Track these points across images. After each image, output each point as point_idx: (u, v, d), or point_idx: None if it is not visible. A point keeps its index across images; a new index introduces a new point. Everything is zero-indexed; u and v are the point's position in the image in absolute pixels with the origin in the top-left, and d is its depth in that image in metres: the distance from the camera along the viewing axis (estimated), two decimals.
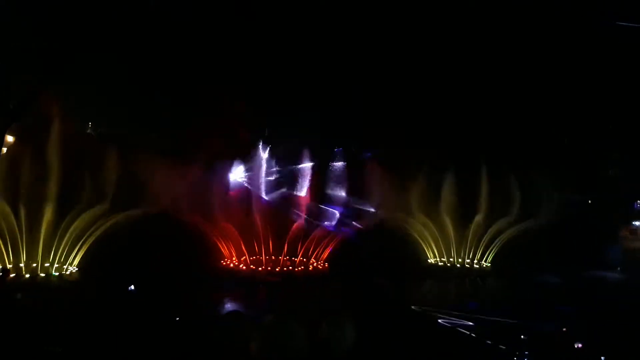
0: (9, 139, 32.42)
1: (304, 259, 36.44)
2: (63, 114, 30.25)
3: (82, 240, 30.81)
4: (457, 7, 39.44)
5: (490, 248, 40.13)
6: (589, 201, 44.13)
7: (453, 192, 40.01)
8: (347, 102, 43.18)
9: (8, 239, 28.42)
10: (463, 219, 40.26)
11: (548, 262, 36.09)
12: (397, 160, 40.32)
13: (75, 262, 30.87)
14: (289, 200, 37.95)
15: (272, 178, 40.42)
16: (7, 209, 28.53)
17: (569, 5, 36.47)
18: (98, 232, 31.17)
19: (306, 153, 40.13)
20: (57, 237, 29.96)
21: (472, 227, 40.02)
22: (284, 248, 35.88)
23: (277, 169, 41.37)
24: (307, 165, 40.04)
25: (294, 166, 40.68)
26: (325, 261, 36.89)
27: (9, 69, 14.44)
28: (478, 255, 40.26)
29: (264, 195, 38.00)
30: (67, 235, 30.30)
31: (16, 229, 28.76)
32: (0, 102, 14.41)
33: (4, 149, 30.91)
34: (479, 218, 39.93)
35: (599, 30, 36.93)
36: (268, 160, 40.24)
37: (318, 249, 36.77)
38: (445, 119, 43.44)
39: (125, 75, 37.25)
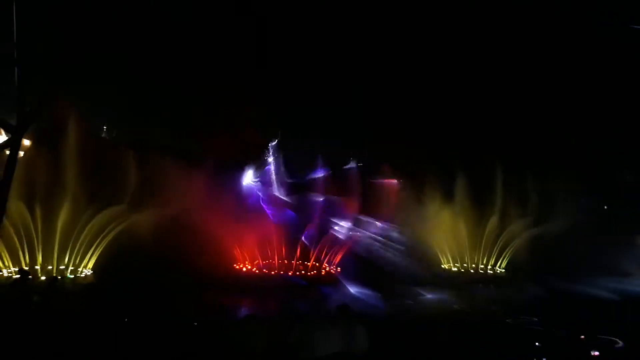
0: (25, 142, 32.80)
1: (317, 264, 36.44)
2: (78, 117, 30.64)
3: (97, 243, 31.12)
4: (463, 9, 39.42)
5: (504, 253, 39.90)
6: (605, 207, 43.69)
7: (466, 197, 39.84)
8: (359, 105, 43.24)
9: (25, 241, 28.87)
10: (476, 224, 40.08)
11: (562, 268, 35.74)
12: (408, 163, 40.37)
13: (90, 264, 31.17)
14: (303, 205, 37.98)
15: (284, 182, 40.56)
16: (24, 212, 28.91)
17: (578, 6, 36.25)
18: (112, 235, 31.49)
19: (319, 157, 40.23)
20: (72, 239, 30.33)
21: (486, 232, 39.87)
22: (296, 252, 36.00)
23: (290, 173, 41.48)
24: (320, 171, 40.12)
25: (307, 171, 40.81)
26: (337, 266, 36.85)
27: (24, 72, 14.57)
28: (492, 261, 40.04)
29: (277, 199, 38.04)
30: (82, 237, 30.66)
31: (32, 231, 29.18)
32: (16, 106, 14.53)
33: (21, 153, 31.26)
34: (493, 222, 39.78)
35: (611, 32, 36.61)
36: (281, 164, 40.40)
37: (330, 254, 36.82)
38: (456, 122, 43.33)
39: (137, 77, 37.57)
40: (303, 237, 36.14)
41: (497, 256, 40.07)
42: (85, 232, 30.55)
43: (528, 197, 39.81)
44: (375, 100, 43.85)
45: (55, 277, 27.32)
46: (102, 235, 31.17)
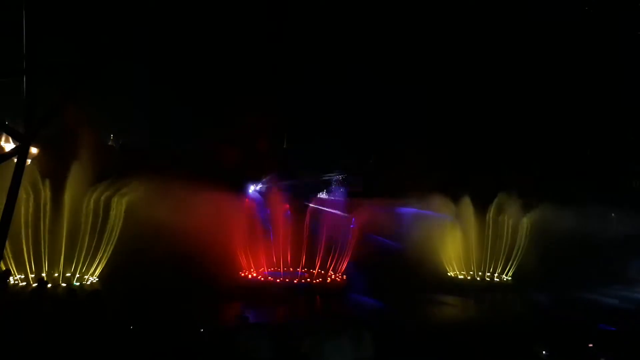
0: (33, 150, 33.00)
1: (322, 271, 36.33)
2: (87, 125, 30.88)
3: (102, 251, 31.19)
4: (480, 19, 39.54)
5: (511, 262, 39.68)
6: (612, 214, 43.43)
7: (473, 204, 39.71)
8: (365, 114, 43.33)
9: (31, 249, 28.99)
10: (482, 233, 39.89)
11: (570, 277, 35.49)
12: (415, 169, 40.31)
13: (97, 272, 31.22)
14: (308, 212, 37.90)
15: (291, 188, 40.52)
16: (30, 219, 29.04)
17: (593, 13, 36.32)
18: (118, 243, 31.52)
19: (324, 165, 40.26)
20: (78, 247, 30.40)
21: (493, 240, 39.71)
22: (301, 260, 35.93)
23: (296, 180, 41.48)
24: (325, 177, 40.09)
25: (313, 178, 40.80)
26: (343, 274, 36.70)
27: (35, 79, 14.69)
28: (499, 269, 39.82)
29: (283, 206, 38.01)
30: (88, 245, 30.74)
31: (40, 238, 29.35)
32: (26, 112, 14.64)
33: (28, 160, 31.48)
34: (499, 229, 39.67)
35: (626, 40, 36.64)
36: (287, 171, 40.42)
37: (336, 262, 36.70)
38: (468, 131, 43.33)
39: (144, 86, 37.88)
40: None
41: (504, 264, 39.83)
42: (90, 240, 30.63)
43: (538, 205, 39.59)
44: (381, 107, 43.95)
45: (73, 288, 27.28)
46: (107, 244, 31.22)
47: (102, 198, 31.38)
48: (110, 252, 31.28)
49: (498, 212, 39.74)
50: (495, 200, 39.57)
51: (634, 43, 37.11)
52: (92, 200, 30.94)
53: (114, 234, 31.60)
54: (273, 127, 41.26)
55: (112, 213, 31.66)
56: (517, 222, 39.58)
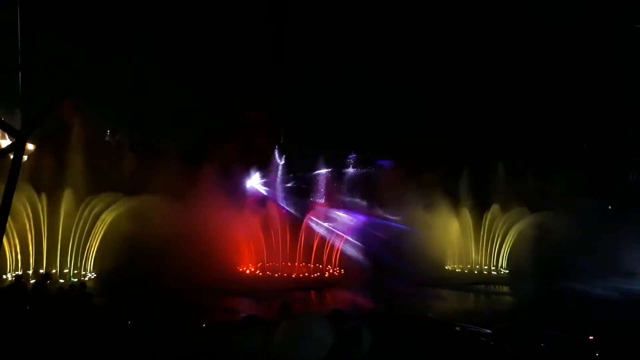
0: (29, 146, 32.86)
1: (319, 265, 36.36)
2: (83, 121, 30.73)
3: (101, 247, 31.08)
4: (478, 13, 39.53)
5: (503, 252, 39.86)
6: (609, 207, 43.57)
7: (469, 197, 39.82)
8: (361, 107, 43.29)
9: (30, 245, 28.89)
10: (480, 225, 40.01)
11: (566, 269, 35.58)
12: (412, 164, 40.37)
13: (94, 268, 31.15)
14: (306, 207, 37.91)
15: (288, 184, 40.49)
16: (28, 216, 28.92)
17: (592, 10, 36.38)
18: (116, 239, 31.36)
19: (322, 159, 40.23)
20: (76, 243, 30.29)
21: (489, 232, 39.84)
22: (299, 254, 35.95)
23: (293, 174, 41.43)
24: (323, 172, 40.05)
25: (311, 172, 40.77)
26: (340, 267, 36.72)
27: (32, 75, 14.59)
28: (495, 262, 39.93)
29: (280, 201, 38.02)
30: (86, 241, 30.65)
31: (41, 233, 29.27)
32: (22, 109, 14.55)
33: (25, 157, 31.30)
34: (496, 223, 39.78)
35: (623, 35, 36.71)
36: (284, 166, 40.34)
37: (334, 256, 36.75)
38: (462, 122, 43.37)
39: (142, 81, 37.72)
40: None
41: (501, 257, 39.97)
42: (89, 237, 30.52)
43: (534, 197, 39.71)
44: (380, 100, 43.94)
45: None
46: (105, 240, 31.09)
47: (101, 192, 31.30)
48: (109, 248, 31.14)
49: (496, 205, 39.91)
50: (493, 193, 39.73)
51: (632, 39, 37.18)
52: (90, 196, 30.82)
53: (112, 230, 31.45)
54: (271, 123, 41.20)
55: (112, 208, 31.55)
56: (515, 215, 39.72)
